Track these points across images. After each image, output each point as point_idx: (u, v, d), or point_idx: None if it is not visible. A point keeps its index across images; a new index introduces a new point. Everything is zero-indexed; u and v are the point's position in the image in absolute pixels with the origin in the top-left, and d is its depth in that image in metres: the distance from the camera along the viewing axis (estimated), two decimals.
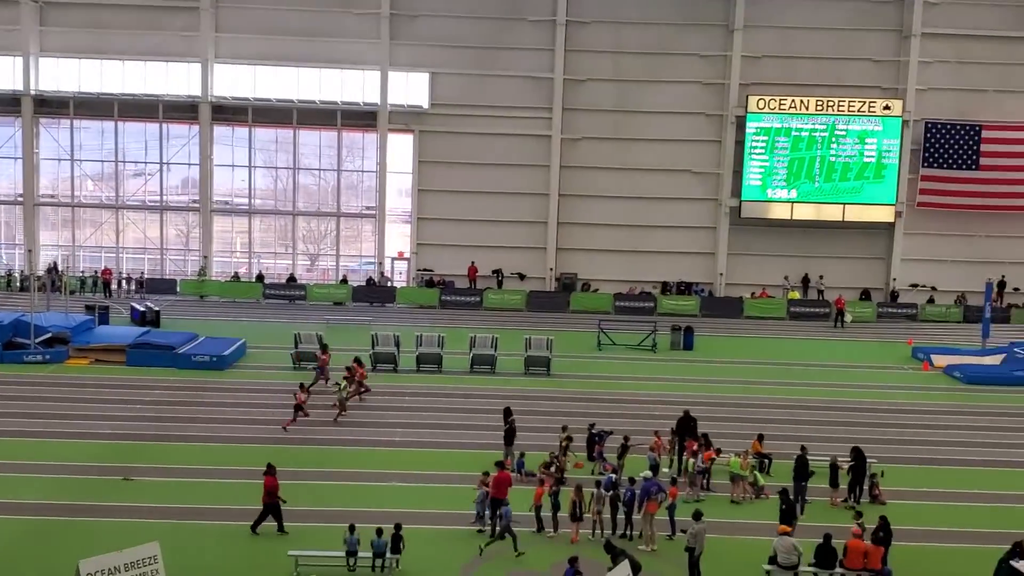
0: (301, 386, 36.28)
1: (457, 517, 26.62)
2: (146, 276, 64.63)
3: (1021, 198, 63.90)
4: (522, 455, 30.26)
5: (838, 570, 23.36)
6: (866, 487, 29.11)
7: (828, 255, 64.73)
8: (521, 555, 24.27)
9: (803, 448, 28.98)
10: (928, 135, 63.26)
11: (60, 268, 62.83)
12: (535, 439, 32.42)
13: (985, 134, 62.99)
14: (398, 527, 23.55)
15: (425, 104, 63.90)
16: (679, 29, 63.40)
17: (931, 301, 64.03)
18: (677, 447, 31.51)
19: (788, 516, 24.91)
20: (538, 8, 63.18)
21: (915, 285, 64.97)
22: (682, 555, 23.63)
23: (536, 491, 26.12)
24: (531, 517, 25.86)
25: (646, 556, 24.02)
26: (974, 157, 63.12)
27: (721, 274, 64.42)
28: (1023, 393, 44.15)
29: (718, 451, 30.46)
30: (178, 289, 62.94)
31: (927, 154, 63.43)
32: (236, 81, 63.80)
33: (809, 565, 23.44)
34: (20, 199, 65.20)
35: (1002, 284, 63.68)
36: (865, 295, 64.34)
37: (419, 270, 65.17)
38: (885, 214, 63.57)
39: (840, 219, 63.48)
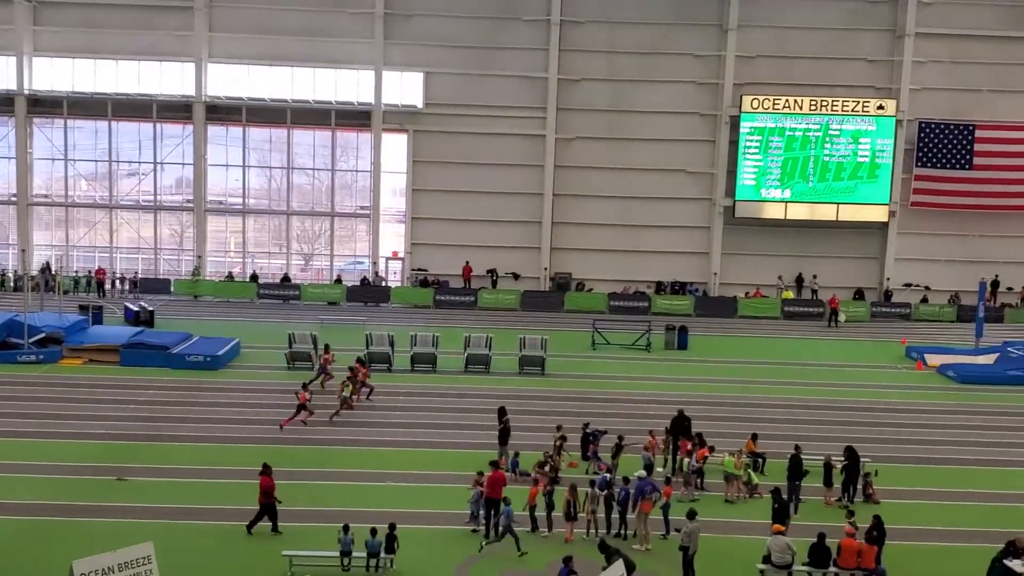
0: (304, 386, 36.25)
1: (452, 517, 26.62)
2: (140, 276, 64.51)
3: (1014, 198, 64.06)
4: (516, 455, 30.26)
5: (832, 569, 23.41)
6: (860, 486, 29.16)
7: (822, 255, 64.83)
8: (524, 555, 24.24)
9: (797, 447, 29.01)
10: (922, 135, 63.37)
11: (52, 268, 62.79)
12: (530, 439, 32.43)
13: (979, 134, 63.12)
14: (392, 527, 23.55)
15: (419, 104, 63.89)
16: (673, 29, 63.46)
17: (925, 301, 64.15)
18: (671, 446, 31.52)
19: (781, 515, 24.94)
20: (532, 8, 63.20)
21: (909, 285, 65.10)
22: (676, 554, 23.67)
23: (531, 491, 26.11)
24: (525, 517, 25.86)
25: (640, 555, 24.03)
26: (968, 157, 63.23)
27: (715, 274, 64.49)
28: (1017, 392, 44.26)
29: (711, 448, 30.51)
30: (172, 289, 62.86)
31: (921, 154, 63.55)
32: (230, 81, 63.76)
33: (803, 564, 23.47)
34: (14, 199, 65.06)
35: (995, 283, 63.80)
36: (859, 295, 64.44)
37: (413, 270, 65.16)
38: (879, 214, 63.67)
39: (834, 219, 63.57)
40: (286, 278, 64.55)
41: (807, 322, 60.93)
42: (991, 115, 63.64)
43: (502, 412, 32.18)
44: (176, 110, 64.49)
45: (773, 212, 63.59)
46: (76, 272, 64.44)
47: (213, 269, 66.11)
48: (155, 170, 65.50)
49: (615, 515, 26.15)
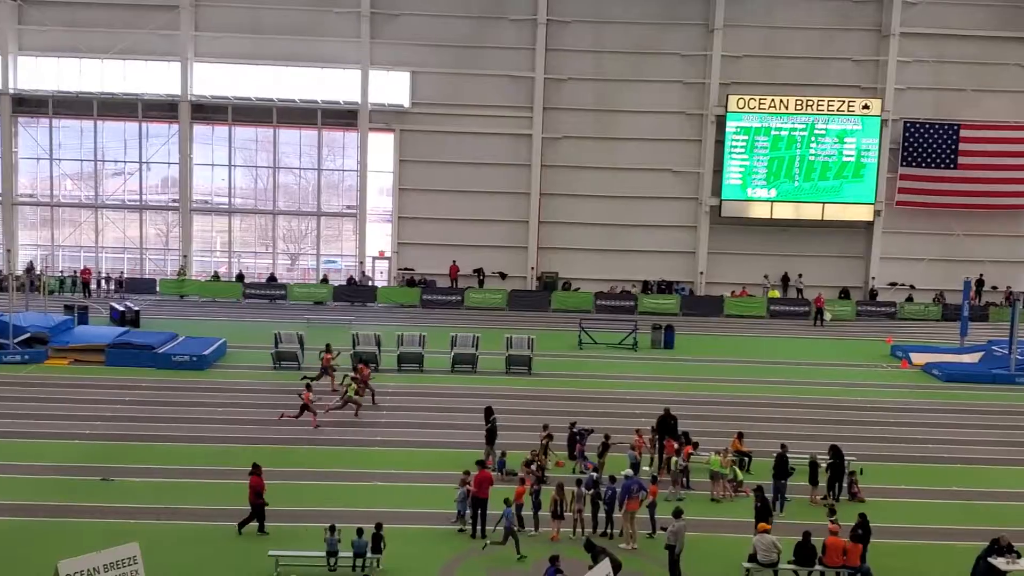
0: (307, 386, 36.18)
1: (438, 516, 26.64)
2: (126, 276, 64.29)
3: (999, 197, 64.39)
4: (503, 454, 30.29)
5: (817, 568, 23.50)
6: (845, 485, 29.28)
7: (807, 254, 65.03)
8: (523, 558, 24.21)
9: (783, 446, 29.08)
10: (907, 134, 63.63)
11: (37, 268, 62.56)
12: (516, 438, 32.45)
13: (963, 133, 63.39)
14: (379, 526, 23.55)
15: (406, 103, 63.85)
16: (659, 28, 63.56)
17: (910, 299, 64.43)
18: (657, 445, 31.59)
19: (764, 514, 25.00)
20: (519, 7, 63.21)
21: (894, 284, 65.38)
22: (663, 553, 23.73)
23: (517, 490, 26.15)
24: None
25: (627, 554, 24.08)
26: (952, 156, 63.51)
27: (701, 273, 64.62)
28: (1001, 391, 44.54)
29: (695, 445, 30.65)
30: (158, 289, 62.62)
31: (906, 153, 63.80)
32: (216, 80, 63.59)
33: (788, 563, 23.56)
34: None
35: (980, 282, 64.13)
36: (844, 294, 64.66)
37: (400, 269, 65.12)
38: (864, 213, 63.87)
39: (819, 218, 63.77)
40: (272, 278, 64.43)
41: (793, 321, 61.11)
42: (976, 115, 63.94)
43: (489, 412, 32.18)
44: (162, 109, 64.32)
45: (759, 211, 63.75)
46: (61, 272, 64.18)
47: (199, 269, 65.94)
48: (141, 169, 65.30)
49: (601, 514, 26.20)
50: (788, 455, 28.70)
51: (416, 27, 63.25)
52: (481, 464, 27.44)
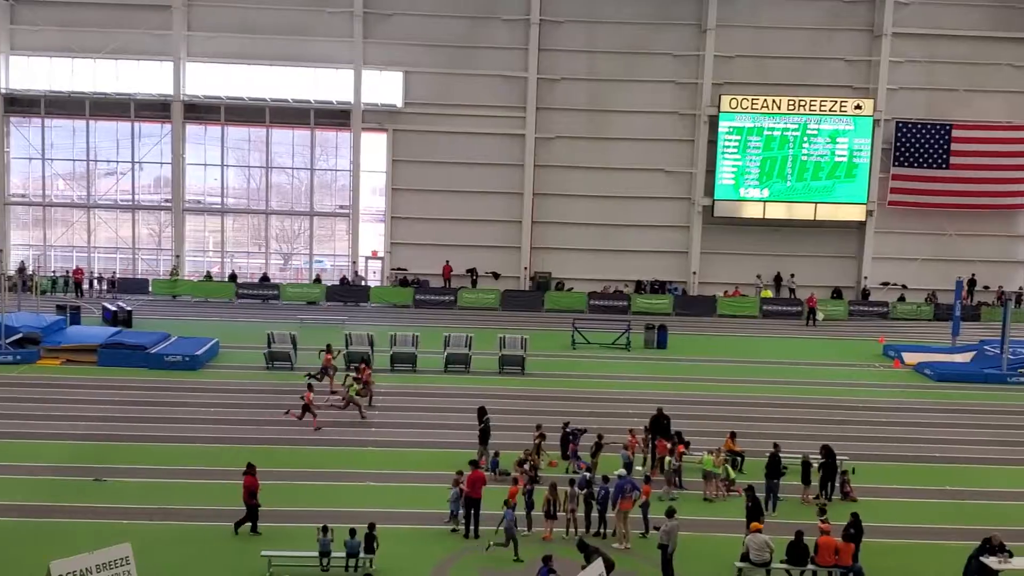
0: (309, 387, 36.15)
1: (431, 516, 26.65)
2: (118, 276, 64.10)
3: (991, 197, 64.54)
4: (496, 454, 30.32)
5: (810, 567, 23.54)
6: (837, 484, 29.35)
7: (800, 254, 65.10)
8: (519, 561, 24.20)
9: (776, 446, 29.15)
10: (899, 134, 63.75)
11: (29, 268, 62.42)
12: (510, 438, 32.45)
13: (955, 133, 63.51)
14: (372, 526, 23.55)
15: (399, 103, 63.80)
16: (652, 29, 63.59)
17: (902, 299, 64.53)
18: (650, 445, 31.65)
19: (755, 514, 25.02)
20: (512, 7, 63.20)
21: (886, 283, 65.48)
22: (655, 553, 23.75)
23: (510, 490, 26.15)
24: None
25: (620, 554, 24.13)
26: (944, 156, 63.63)
27: (694, 273, 64.67)
28: (993, 390, 44.67)
29: (687, 444, 30.72)
30: (150, 289, 62.53)
31: (898, 153, 63.92)
32: (208, 80, 63.44)
33: (781, 562, 23.60)
34: None
35: (972, 282, 64.27)
36: (836, 293, 64.76)
37: (393, 269, 65.08)
38: (856, 213, 63.97)
39: (812, 218, 63.85)
40: (265, 278, 64.36)
41: (785, 321, 61.18)
42: (968, 115, 64.06)
43: (482, 412, 32.24)
44: (154, 109, 64.19)
45: (751, 211, 63.83)
46: (54, 272, 64.08)
47: (192, 269, 65.82)
48: (133, 169, 65.18)
49: (594, 514, 26.24)
50: (781, 455, 28.77)
51: (409, 27, 63.22)
52: (474, 464, 27.50)
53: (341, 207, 66.13)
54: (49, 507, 26.59)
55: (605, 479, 26.62)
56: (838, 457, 29.70)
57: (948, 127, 63.50)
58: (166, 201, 65.57)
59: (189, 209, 65.67)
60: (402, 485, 29.35)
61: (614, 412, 37.53)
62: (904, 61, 63.56)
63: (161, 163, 65.13)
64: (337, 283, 63.69)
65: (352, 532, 23.25)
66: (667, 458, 30.09)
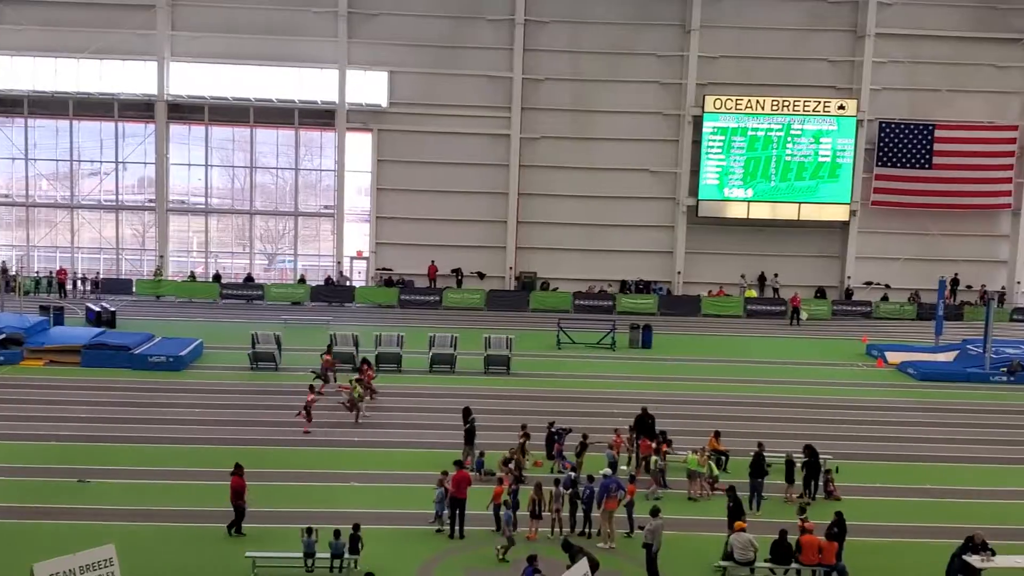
0: (310, 387, 36.10)
1: (416, 517, 26.64)
2: (102, 276, 63.84)
3: (973, 196, 64.87)
4: (482, 454, 30.33)
5: (793, 566, 23.63)
6: (821, 483, 29.45)
7: (784, 254, 65.32)
8: (505, 562, 24.18)
9: (760, 445, 29.24)
10: (882, 135, 64.02)
11: (12, 268, 62.14)
12: (495, 438, 32.45)
13: (938, 133, 63.82)
14: (356, 527, 23.51)
15: (384, 103, 63.73)
16: (636, 29, 63.70)
17: (885, 299, 64.81)
18: (635, 445, 31.71)
19: (737, 513, 25.08)
20: (496, 7, 63.23)
21: (869, 283, 65.75)
22: (640, 552, 23.81)
23: (495, 490, 26.18)
24: (490, 516, 25.90)
25: (604, 553, 24.14)
26: (927, 156, 63.93)
27: (679, 273, 64.81)
28: (975, 389, 44.92)
29: (669, 443, 30.82)
30: (134, 289, 62.34)
31: (881, 153, 64.19)
32: (192, 79, 63.15)
33: (765, 561, 23.69)
34: None
35: (955, 282, 64.57)
36: (820, 293, 64.98)
37: (378, 269, 65.03)
38: (840, 213, 64.21)
39: (795, 218, 64.07)
40: (249, 278, 64.22)
41: (769, 320, 61.38)
42: (950, 115, 64.40)
43: (467, 412, 32.26)
44: (138, 109, 63.99)
45: (736, 211, 64.01)
46: (37, 272, 63.79)
47: (175, 269, 65.65)
48: (117, 169, 64.97)
49: (579, 513, 26.27)
50: (765, 454, 28.86)
51: (394, 27, 63.16)
52: (459, 464, 27.49)
53: (326, 207, 66.05)
54: (32, 508, 26.47)
55: (590, 479, 26.66)
56: (821, 456, 29.81)
57: (931, 127, 63.80)
58: (150, 201, 65.36)
59: (173, 209, 65.50)
60: (387, 486, 29.34)
61: (599, 412, 37.55)
62: (887, 62, 63.84)
63: (145, 163, 64.94)
64: (322, 283, 63.58)
65: (337, 533, 23.22)
66: (653, 457, 30.16)
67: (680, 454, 30.62)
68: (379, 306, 61.57)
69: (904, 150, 63.97)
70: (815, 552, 23.38)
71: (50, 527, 25.25)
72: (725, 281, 65.08)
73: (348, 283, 64.30)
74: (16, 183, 65.45)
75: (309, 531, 23.24)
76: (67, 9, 62.05)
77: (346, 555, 23.17)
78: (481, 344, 45.06)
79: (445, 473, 26.43)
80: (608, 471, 27.01)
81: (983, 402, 42.62)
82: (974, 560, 23.13)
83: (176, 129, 64.58)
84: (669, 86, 64.16)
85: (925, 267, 64.05)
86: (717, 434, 32.27)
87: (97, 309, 52.58)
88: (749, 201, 63.66)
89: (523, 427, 31.46)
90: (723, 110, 62.72)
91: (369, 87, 63.53)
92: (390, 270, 64.71)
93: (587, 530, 26.14)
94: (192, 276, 64.20)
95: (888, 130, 63.97)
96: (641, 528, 24.39)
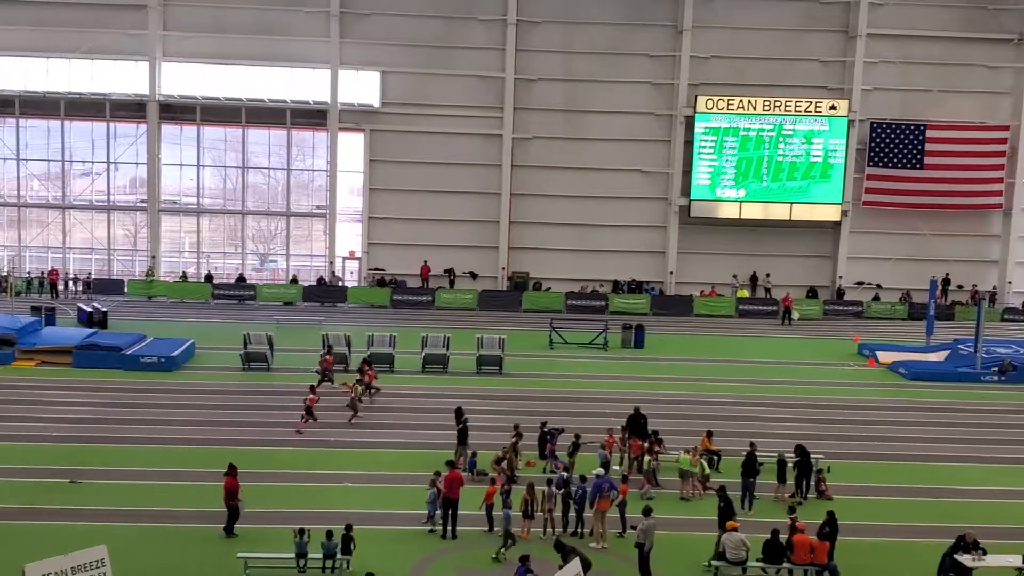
0: (311, 388, 36.06)
1: (408, 517, 26.64)
2: (93, 277, 63.73)
3: (965, 196, 64.97)
4: (474, 454, 30.34)
5: (785, 565, 23.68)
6: (812, 483, 29.51)
7: (775, 254, 65.38)
8: (498, 561, 24.22)
9: (752, 445, 29.29)
10: (873, 135, 64.13)
11: (4, 269, 61.97)
12: (487, 438, 32.48)
13: (929, 133, 63.93)
14: (348, 528, 23.52)
15: (376, 103, 63.68)
16: (628, 29, 63.74)
17: (876, 299, 64.91)
18: (627, 444, 31.74)
19: (727, 513, 25.10)
20: (489, 8, 63.22)
21: (861, 283, 65.85)
22: (632, 552, 23.84)
23: (488, 490, 26.19)
24: (482, 516, 25.92)
25: (597, 553, 24.19)
26: (919, 156, 64.04)
27: (671, 273, 64.87)
28: (966, 389, 45.05)
29: (660, 443, 30.86)
30: (126, 290, 62.22)
31: (872, 153, 64.30)
32: (184, 80, 63.07)
33: (757, 561, 23.73)
34: None
35: (946, 282, 64.73)
36: (812, 293, 65.09)
37: (370, 269, 64.99)
38: (831, 213, 64.31)
39: (787, 218, 64.15)
40: (241, 278, 64.14)
41: (761, 320, 61.44)
42: (941, 115, 64.49)
43: (460, 413, 32.26)
44: (130, 109, 63.87)
45: (728, 212, 64.07)
46: (28, 273, 63.60)
47: (167, 270, 65.54)
48: (108, 170, 64.84)
49: (572, 513, 26.29)
50: (757, 453, 28.91)
51: (386, 27, 63.12)
52: (451, 464, 27.48)
53: (318, 207, 65.99)
54: (23, 509, 26.42)
55: (583, 479, 26.70)
56: (813, 456, 29.87)
57: (922, 127, 63.93)
58: (142, 201, 65.25)
59: (165, 209, 65.39)
60: (379, 486, 29.34)
61: (591, 411, 37.60)
62: (878, 62, 63.96)
63: (137, 163, 64.81)
64: (314, 284, 63.53)
65: (329, 534, 23.22)
66: (646, 457, 30.19)
67: (672, 454, 30.66)
68: (371, 306, 61.54)
69: (895, 150, 64.09)
70: (807, 552, 23.43)
71: (41, 528, 25.21)
72: (717, 281, 65.15)
73: (340, 283, 64.24)
74: (7, 183, 65.25)
75: (301, 532, 23.23)
76: (58, 9, 61.91)
77: (338, 556, 23.19)
78: (474, 344, 45.07)
79: (437, 473, 26.43)
80: (601, 471, 27.03)
81: (974, 402, 42.75)
82: (965, 559, 23.21)
83: (168, 129, 64.49)
84: (661, 86, 64.21)
85: (916, 267, 64.19)
86: (709, 434, 32.31)
87: (89, 310, 52.47)
88: (741, 201, 63.74)
89: (515, 427, 31.50)
90: (715, 110, 62.79)
91: (361, 87, 63.49)
92: (382, 270, 64.69)
93: (579, 530, 26.16)
94: (184, 276, 64.10)
95: (879, 130, 64.10)
96: (633, 528, 24.42)
